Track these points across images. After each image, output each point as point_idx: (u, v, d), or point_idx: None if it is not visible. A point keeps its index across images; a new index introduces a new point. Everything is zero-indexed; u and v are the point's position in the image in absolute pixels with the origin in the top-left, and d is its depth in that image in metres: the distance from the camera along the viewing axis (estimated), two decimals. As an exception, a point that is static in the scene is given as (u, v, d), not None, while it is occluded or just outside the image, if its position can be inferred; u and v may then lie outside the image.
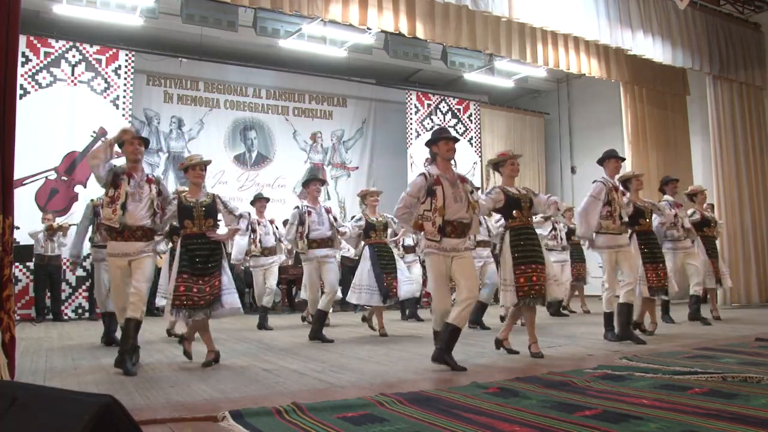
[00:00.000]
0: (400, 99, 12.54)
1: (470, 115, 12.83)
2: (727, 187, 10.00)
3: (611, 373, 3.64)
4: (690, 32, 9.57)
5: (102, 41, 9.68)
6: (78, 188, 9.16)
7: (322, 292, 6.24)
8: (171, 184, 10.17)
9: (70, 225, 8.35)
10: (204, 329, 4.56)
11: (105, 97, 9.43)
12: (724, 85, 10.22)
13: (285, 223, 7.32)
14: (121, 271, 4.38)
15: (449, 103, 12.64)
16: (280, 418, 2.69)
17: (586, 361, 4.32)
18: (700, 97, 10.76)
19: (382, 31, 8.84)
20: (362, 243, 6.43)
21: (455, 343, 4.19)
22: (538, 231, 5.32)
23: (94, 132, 9.30)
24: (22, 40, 8.51)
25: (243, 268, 8.71)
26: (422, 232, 4.26)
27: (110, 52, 9.59)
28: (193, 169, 4.62)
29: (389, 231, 6.58)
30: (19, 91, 7.53)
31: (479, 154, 12.58)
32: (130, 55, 9.73)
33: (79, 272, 8.97)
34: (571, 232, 8.22)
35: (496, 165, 4.91)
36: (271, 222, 7.68)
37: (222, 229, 4.82)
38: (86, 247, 6.30)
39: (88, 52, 9.41)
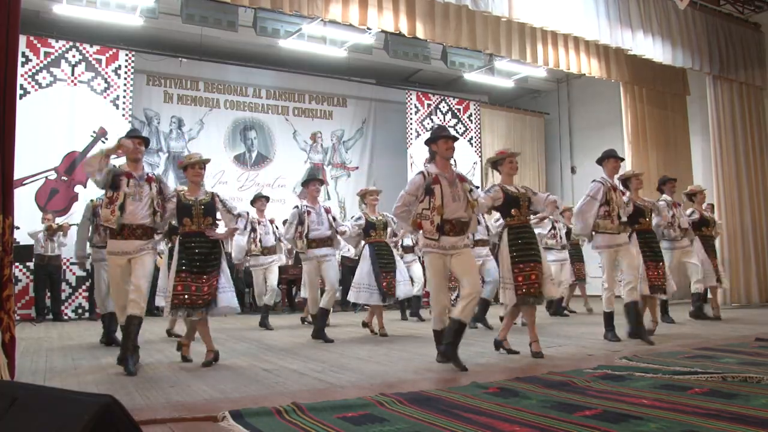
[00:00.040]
0: (400, 99, 12.54)
1: (470, 115, 12.83)
2: (727, 187, 10.00)
3: (611, 373, 3.64)
4: (690, 32, 9.57)
5: (102, 41, 9.68)
6: (78, 188, 9.16)
7: (323, 292, 6.25)
8: (171, 184, 10.08)
9: (70, 225, 8.36)
10: (203, 328, 4.56)
11: (105, 97, 9.43)
12: (724, 85, 10.22)
13: (285, 222, 7.33)
14: (121, 270, 4.38)
15: (449, 103, 12.65)
16: (280, 418, 2.69)
17: (586, 361, 4.31)
18: (700, 97, 10.76)
19: (382, 31, 8.84)
20: (362, 242, 6.44)
21: (461, 339, 4.19)
22: (538, 230, 5.33)
23: (94, 132, 9.30)
24: (22, 40, 8.52)
25: (243, 267, 8.71)
26: (421, 231, 4.27)
27: (110, 52, 9.59)
28: (192, 168, 4.63)
29: (389, 230, 6.59)
30: (19, 91, 7.53)
31: (479, 154, 12.58)
32: (130, 55, 9.74)
33: (79, 272, 8.98)
34: (570, 232, 8.22)
35: (495, 163, 4.91)
36: (272, 222, 7.69)
37: (221, 229, 4.82)
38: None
39: (88, 52, 9.42)
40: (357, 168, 13.08)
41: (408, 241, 8.13)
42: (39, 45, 9.10)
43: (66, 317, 8.78)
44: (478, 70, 11.48)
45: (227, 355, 4.91)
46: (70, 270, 9.01)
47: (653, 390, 3.15)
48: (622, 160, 5.67)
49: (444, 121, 12.30)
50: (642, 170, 7.21)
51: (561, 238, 8.12)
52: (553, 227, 8.05)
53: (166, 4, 9.21)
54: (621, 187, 5.83)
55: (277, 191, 11.65)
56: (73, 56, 9.31)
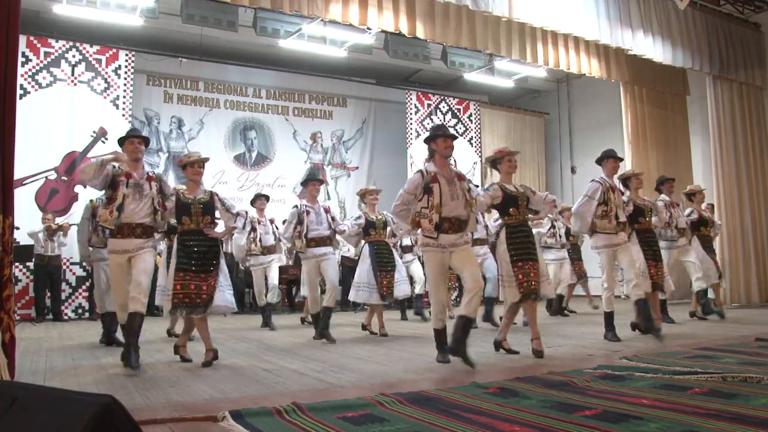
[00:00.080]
0: (400, 99, 12.54)
1: (470, 115, 12.83)
2: (727, 187, 10.00)
3: (611, 373, 3.64)
4: (690, 32, 9.57)
5: (102, 41, 9.68)
6: (78, 188, 9.14)
7: (323, 291, 6.25)
8: (171, 184, 10.11)
9: (70, 225, 8.36)
10: (202, 327, 4.57)
11: (105, 97, 9.43)
12: (724, 85, 10.21)
13: (285, 222, 7.33)
14: (121, 268, 4.40)
15: (449, 103, 12.65)
16: (280, 418, 2.69)
17: (586, 361, 4.32)
18: (700, 97, 10.76)
19: (382, 31, 8.84)
20: (362, 241, 6.45)
21: (468, 335, 4.19)
22: (537, 229, 5.33)
23: (94, 132, 9.30)
24: (22, 40, 8.51)
25: (243, 267, 8.71)
26: (419, 229, 4.28)
27: (110, 52, 9.59)
28: (192, 166, 4.64)
29: (388, 230, 6.61)
30: (19, 91, 7.52)
31: (479, 154, 12.57)
32: (130, 55, 9.74)
33: (79, 272, 8.98)
34: (569, 232, 8.23)
35: (494, 162, 4.92)
36: (272, 221, 7.69)
37: (221, 228, 4.83)
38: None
39: (88, 52, 9.42)
40: (357, 168, 13.08)
41: (407, 241, 8.14)
42: (39, 45, 9.10)
43: (66, 317, 8.77)
44: (478, 70, 11.48)
45: (227, 355, 4.91)
46: (70, 270, 9.01)
47: (653, 390, 3.15)
48: (621, 160, 5.68)
49: (444, 121, 12.29)
50: (642, 170, 7.21)
51: (560, 237, 8.13)
52: (553, 226, 8.06)
53: (166, 4, 9.20)
54: (621, 187, 5.84)
55: (277, 191, 11.64)
56: (73, 56, 9.31)
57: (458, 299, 9.52)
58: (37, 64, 9.05)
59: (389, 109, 13.17)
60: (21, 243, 7.86)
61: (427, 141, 4.45)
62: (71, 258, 8.94)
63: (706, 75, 10.17)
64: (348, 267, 8.92)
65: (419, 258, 7.94)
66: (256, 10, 8.69)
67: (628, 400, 2.91)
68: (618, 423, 2.48)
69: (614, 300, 5.51)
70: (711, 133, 10.23)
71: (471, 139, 12.72)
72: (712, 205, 9.30)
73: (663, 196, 6.91)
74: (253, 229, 7.32)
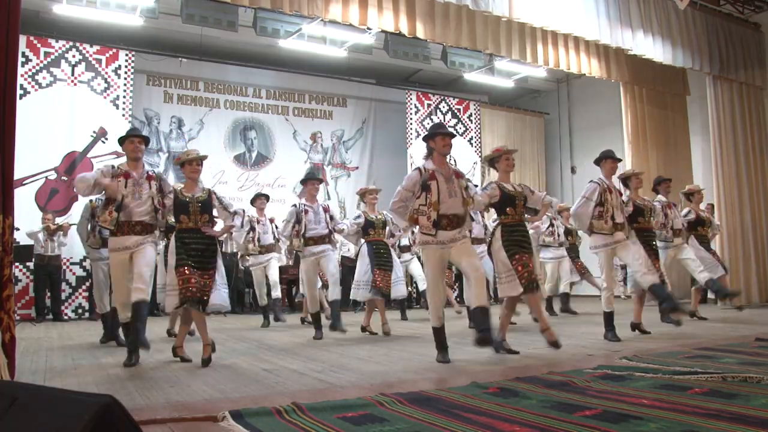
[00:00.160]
0: (400, 99, 12.54)
1: (470, 115, 12.83)
2: (727, 187, 9.99)
3: (611, 373, 3.64)
4: (690, 32, 9.57)
5: (102, 41, 9.68)
6: (78, 188, 9.14)
7: (325, 286, 6.30)
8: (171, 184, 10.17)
9: (70, 225, 8.36)
10: (200, 320, 4.56)
11: (105, 97, 9.43)
12: (724, 85, 10.21)
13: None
14: (122, 266, 4.43)
15: (449, 103, 12.65)
16: (280, 418, 2.69)
17: (586, 361, 4.32)
18: (700, 97, 10.76)
19: (382, 31, 8.84)
20: (362, 240, 6.47)
21: (489, 321, 4.18)
22: (532, 226, 5.33)
23: (94, 132, 9.30)
24: (22, 40, 8.51)
25: (243, 267, 8.70)
26: (417, 226, 4.29)
27: (110, 52, 9.59)
28: (190, 164, 4.64)
29: (387, 230, 6.62)
30: (19, 91, 7.52)
31: (479, 154, 12.57)
32: (130, 55, 9.74)
33: (79, 272, 8.98)
34: (567, 232, 8.25)
35: (492, 161, 4.93)
36: (271, 221, 7.69)
37: (219, 226, 4.83)
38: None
39: (88, 52, 9.42)
40: (357, 168, 13.08)
41: (405, 241, 8.14)
42: (39, 45, 9.10)
43: (66, 317, 8.78)
44: (478, 70, 11.48)
45: (227, 355, 4.91)
46: (70, 270, 9.01)
47: (653, 390, 3.15)
48: (620, 160, 5.68)
49: (444, 120, 12.29)
50: (642, 170, 7.21)
51: (559, 236, 8.15)
52: (551, 225, 8.08)
53: (166, 4, 9.21)
54: (621, 187, 5.83)
55: (277, 191, 11.65)
56: (73, 56, 9.31)
57: (459, 299, 9.52)
58: (37, 64, 9.05)
59: (389, 109, 13.17)
60: (21, 243, 7.86)
61: (425, 139, 4.48)
62: (71, 258, 8.95)
63: (706, 75, 10.17)
64: (348, 267, 8.92)
65: (418, 257, 7.96)
66: (256, 10, 8.70)
67: (628, 400, 2.91)
68: (618, 423, 2.48)
69: (614, 300, 5.51)
70: (711, 133, 10.23)
71: (471, 139, 12.72)
72: (712, 205, 9.30)
73: (660, 197, 6.91)
74: (252, 229, 7.33)
